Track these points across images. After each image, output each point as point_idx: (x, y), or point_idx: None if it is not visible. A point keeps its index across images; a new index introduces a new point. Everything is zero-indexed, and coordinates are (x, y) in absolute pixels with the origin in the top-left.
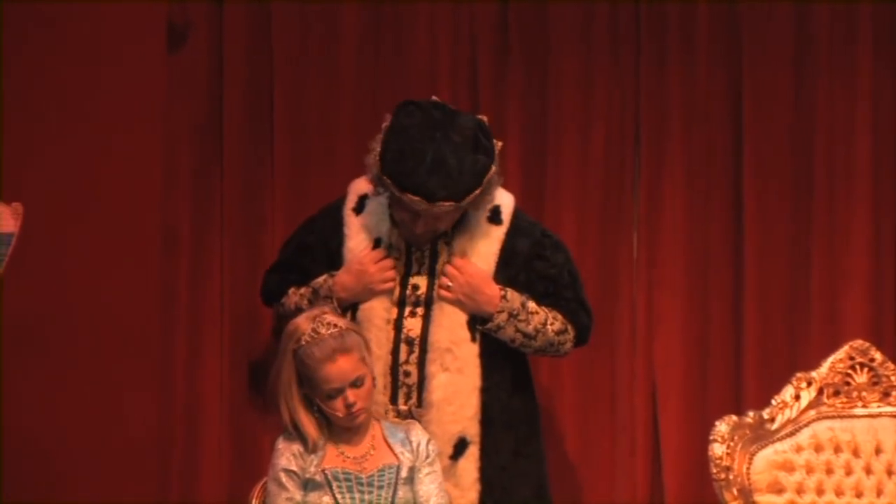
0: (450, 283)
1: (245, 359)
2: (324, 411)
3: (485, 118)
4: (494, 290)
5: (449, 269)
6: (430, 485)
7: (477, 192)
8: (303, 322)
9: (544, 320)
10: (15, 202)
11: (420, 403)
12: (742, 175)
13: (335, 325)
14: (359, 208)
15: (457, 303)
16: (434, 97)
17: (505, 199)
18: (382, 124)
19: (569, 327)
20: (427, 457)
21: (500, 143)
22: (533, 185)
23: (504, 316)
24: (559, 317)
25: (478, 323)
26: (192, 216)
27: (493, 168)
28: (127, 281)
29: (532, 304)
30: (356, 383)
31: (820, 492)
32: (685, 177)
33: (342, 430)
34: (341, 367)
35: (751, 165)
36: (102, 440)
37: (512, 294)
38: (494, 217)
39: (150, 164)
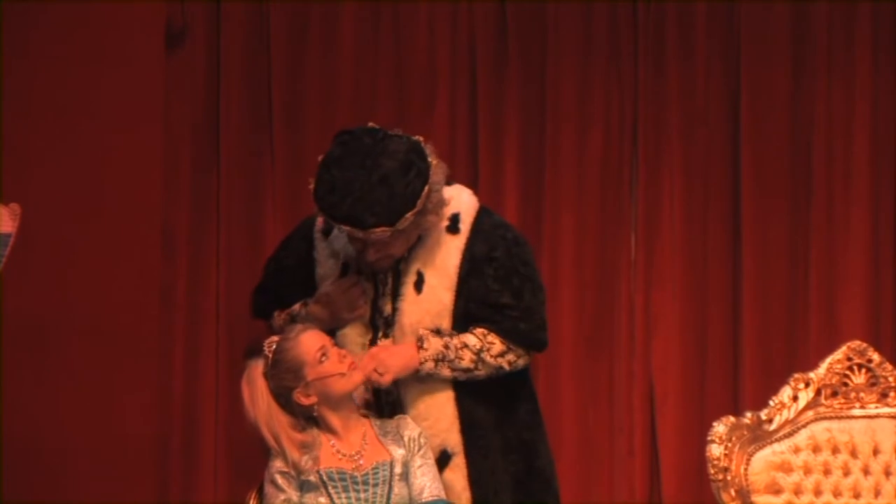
0: (380, 376)
1: (241, 357)
2: (323, 399)
3: (420, 138)
4: (408, 348)
5: (366, 363)
6: (423, 477)
7: (410, 214)
8: (253, 369)
9: (478, 350)
10: (12, 203)
11: None
12: (740, 175)
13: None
14: (327, 229)
15: (397, 377)
16: (371, 123)
17: (465, 205)
18: (319, 157)
19: (510, 345)
20: (419, 448)
21: (435, 162)
22: (531, 186)
23: (430, 364)
24: (495, 339)
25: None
26: (190, 216)
27: (427, 189)
28: (127, 281)
29: (457, 340)
30: (335, 344)
31: (818, 492)
32: (683, 177)
33: (336, 421)
34: (314, 333)
35: (749, 165)
36: (101, 440)
37: (430, 340)
38: (453, 227)
39: (150, 164)
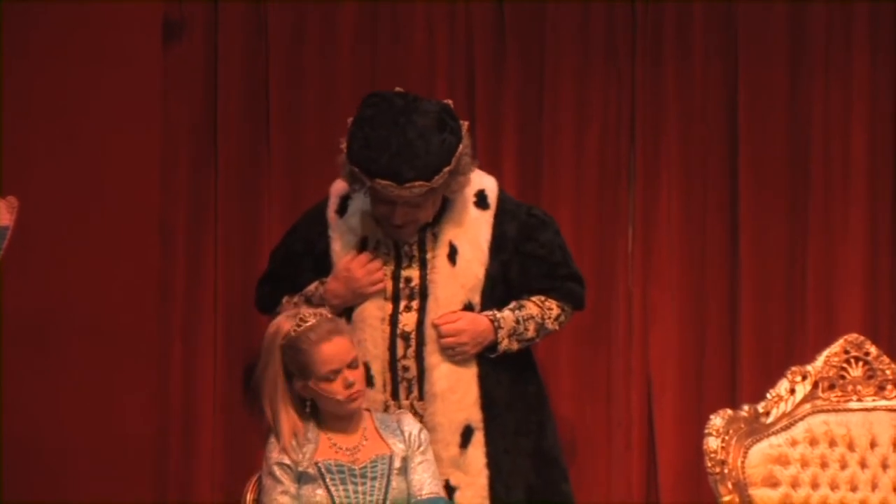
0: (454, 345)
1: (239, 356)
2: (318, 402)
3: (450, 102)
4: (485, 322)
5: (445, 329)
6: (423, 473)
7: (446, 169)
8: (284, 320)
9: (541, 318)
10: (10, 195)
11: (421, 396)
12: (738, 171)
13: (319, 314)
14: (341, 210)
15: (464, 353)
16: (398, 88)
17: (488, 183)
18: (348, 119)
19: (565, 307)
20: (419, 445)
21: (466, 123)
22: (529, 181)
23: (506, 342)
24: (553, 304)
25: (487, 352)
26: (188, 213)
27: (461, 146)
28: (125, 279)
29: (524, 311)
30: (352, 364)
31: (815, 486)
32: (681, 172)
33: (335, 420)
34: (338, 347)
35: (747, 161)
36: (100, 437)
37: (505, 319)
38: (481, 202)
39: (148, 162)
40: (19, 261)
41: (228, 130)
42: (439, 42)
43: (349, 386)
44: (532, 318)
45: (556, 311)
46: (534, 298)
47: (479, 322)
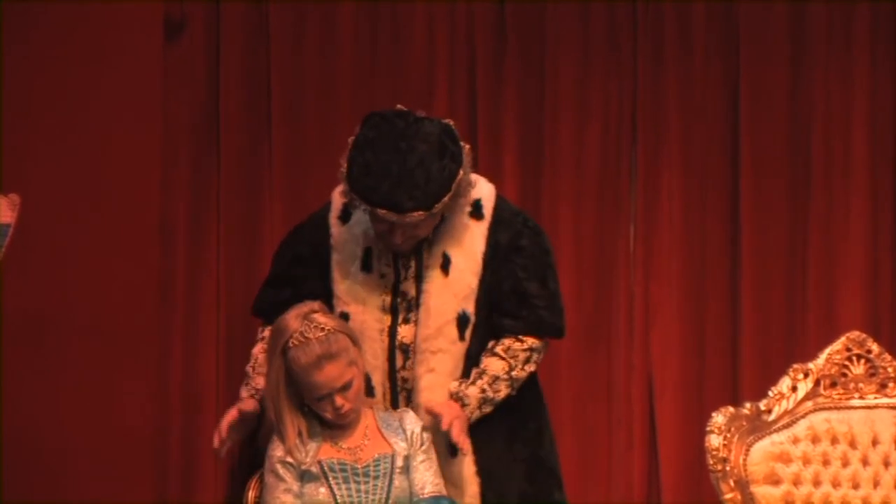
0: (462, 430)
1: (241, 353)
2: (313, 409)
3: (451, 122)
4: (455, 408)
5: (458, 440)
6: (425, 472)
7: (446, 198)
8: (292, 321)
9: (507, 374)
10: (11, 193)
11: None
12: (739, 169)
13: (322, 329)
14: (344, 217)
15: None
16: (399, 106)
17: (485, 191)
18: (349, 138)
19: (534, 345)
20: (421, 444)
21: (467, 146)
22: (530, 180)
23: (477, 413)
24: (518, 348)
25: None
26: (189, 211)
27: (461, 172)
28: (125, 277)
29: (487, 378)
30: (345, 387)
31: (817, 483)
32: (682, 170)
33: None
34: (328, 375)
35: (748, 159)
36: (100, 437)
37: (468, 395)
38: (476, 212)
39: (149, 160)
40: (19, 260)
41: (229, 129)
42: (439, 42)
43: (337, 409)
44: (498, 378)
45: (523, 356)
46: (498, 349)
47: (450, 405)
